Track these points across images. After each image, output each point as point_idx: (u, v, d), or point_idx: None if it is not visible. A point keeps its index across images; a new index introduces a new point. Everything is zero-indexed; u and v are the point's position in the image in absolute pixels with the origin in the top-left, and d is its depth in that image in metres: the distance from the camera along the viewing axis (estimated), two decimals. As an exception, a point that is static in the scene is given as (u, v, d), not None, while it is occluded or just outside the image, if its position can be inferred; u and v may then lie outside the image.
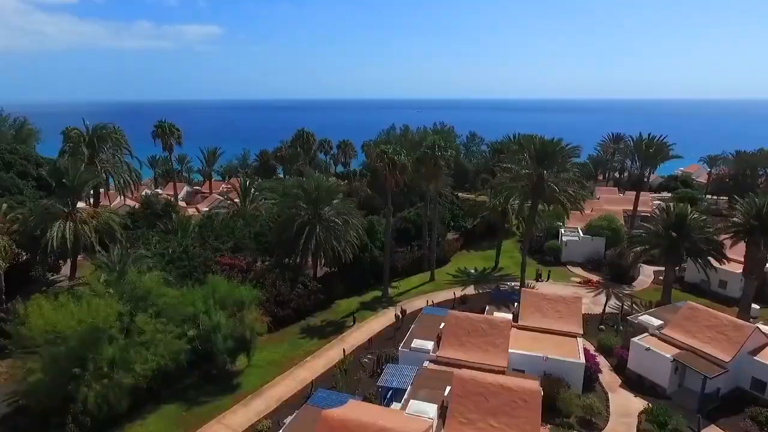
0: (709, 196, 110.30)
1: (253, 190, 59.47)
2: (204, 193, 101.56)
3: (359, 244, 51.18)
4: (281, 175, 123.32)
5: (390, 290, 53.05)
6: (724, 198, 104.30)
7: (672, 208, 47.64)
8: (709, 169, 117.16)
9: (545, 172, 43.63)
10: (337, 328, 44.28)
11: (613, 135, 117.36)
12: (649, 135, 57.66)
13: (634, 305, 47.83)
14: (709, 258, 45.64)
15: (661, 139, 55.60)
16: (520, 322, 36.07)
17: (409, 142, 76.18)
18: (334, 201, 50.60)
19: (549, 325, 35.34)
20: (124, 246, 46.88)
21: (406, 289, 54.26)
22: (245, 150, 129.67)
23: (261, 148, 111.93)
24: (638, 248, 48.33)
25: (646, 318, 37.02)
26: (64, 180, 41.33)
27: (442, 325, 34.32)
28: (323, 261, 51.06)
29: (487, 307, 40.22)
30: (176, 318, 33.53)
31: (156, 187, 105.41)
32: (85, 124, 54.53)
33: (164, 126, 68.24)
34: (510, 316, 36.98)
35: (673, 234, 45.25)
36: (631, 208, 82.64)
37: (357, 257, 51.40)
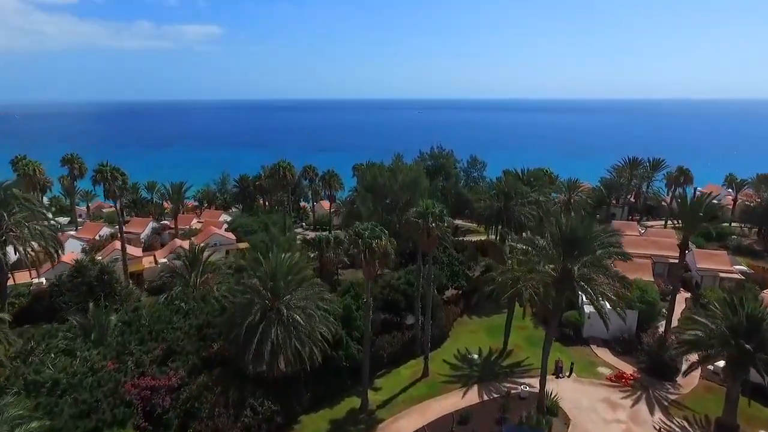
0: (735, 225, 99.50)
1: (204, 257, 47.85)
2: (171, 229, 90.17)
3: (332, 340, 39.82)
4: (261, 201, 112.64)
5: (371, 395, 41.63)
6: (754, 227, 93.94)
7: (741, 305, 36.09)
8: (733, 193, 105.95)
9: (575, 269, 32.04)
10: (295, 479, 32.86)
11: (629, 159, 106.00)
12: (695, 193, 45.97)
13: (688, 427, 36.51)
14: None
15: (709, 199, 44.14)
16: None
17: (400, 183, 64.82)
18: (299, 288, 39.18)
19: None
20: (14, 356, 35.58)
21: (393, 393, 42.63)
22: (224, 174, 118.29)
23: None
24: (696, 356, 36.92)
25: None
26: None
27: None
28: (283, 362, 39.67)
29: (498, 471, 28.74)
30: None
31: (122, 216, 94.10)
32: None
33: (104, 171, 56.22)
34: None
35: (745, 345, 33.88)
36: (658, 252, 72.40)
37: (329, 356, 40.16)
